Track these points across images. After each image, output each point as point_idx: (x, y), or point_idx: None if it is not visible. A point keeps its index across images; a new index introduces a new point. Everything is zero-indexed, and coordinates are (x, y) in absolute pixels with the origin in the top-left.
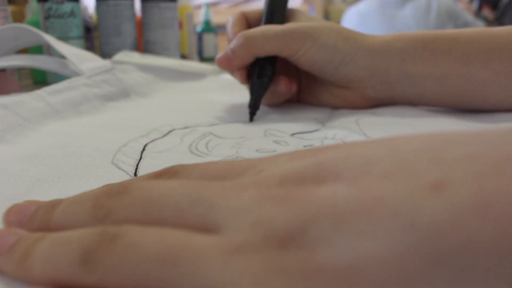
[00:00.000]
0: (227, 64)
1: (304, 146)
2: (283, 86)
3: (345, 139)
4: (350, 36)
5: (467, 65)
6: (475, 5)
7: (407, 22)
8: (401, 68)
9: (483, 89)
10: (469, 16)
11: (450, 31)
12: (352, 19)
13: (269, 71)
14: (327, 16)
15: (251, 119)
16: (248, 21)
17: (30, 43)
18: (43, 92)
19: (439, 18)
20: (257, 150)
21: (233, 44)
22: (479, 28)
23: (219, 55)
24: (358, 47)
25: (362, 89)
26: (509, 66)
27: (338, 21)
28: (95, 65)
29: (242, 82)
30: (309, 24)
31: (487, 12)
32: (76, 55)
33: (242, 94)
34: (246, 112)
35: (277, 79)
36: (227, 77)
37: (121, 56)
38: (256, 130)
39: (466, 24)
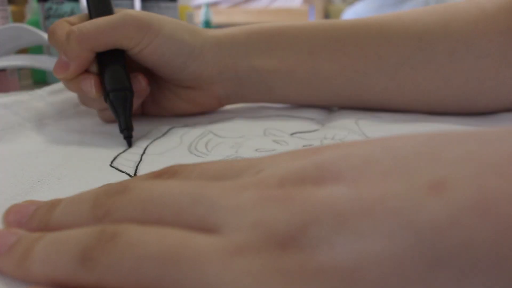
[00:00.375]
0: (64, 70)
1: (304, 146)
2: (143, 83)
3: (344, 139)
4: (194, 29)
5: (312, 58)
6: None
7: None
8: (248, 63)
9: (331, 83)
10: None
11: (296, 23)
12: None
13: (125, 78)
14: (327, 16)
15: (131, 144)
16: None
17: (30, 43)
18: (43, 92)
19: None
20: (256, 150)
21: (63, 47)
22: (326, 20)
23: (54, 65)
24: (204, 40)
25: (211, 87)
26: (354, 58)
27: None
28: None
29: (96, 93)
30: (148, 13)
31: None
32: None
33: None
34: (246, 108)
35: (133, 77)
36: None
37: None
38: (256, 129)
39: None
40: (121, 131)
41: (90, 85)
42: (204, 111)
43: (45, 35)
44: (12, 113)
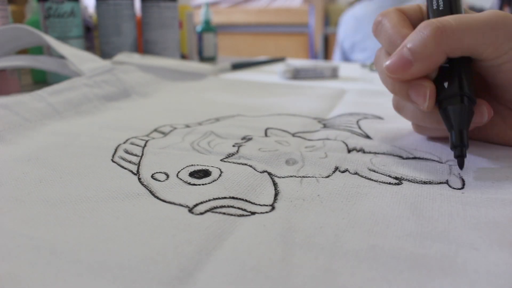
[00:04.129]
0: (402, 71)
1: (306, 147)
2: (485, 113)
3: (347, 140)
4: None
5: None
6: (495, 4)
7: None
8: None
9: None
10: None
11: None
12: (348, 23)
13: (469, 87)
14: (327, 16)
15: (462, 166)
16: (410, 21)
17: (30, 43)
18: (43, 92)
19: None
20: (259, 149)
21: (412, 40)
22: None
23: (389, 60)
24: None
25: None
26: None
27: (337, 21)
28: (95, 65)
29: (429, 106)
30: None
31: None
32: (76, 55)
33: (241, 93)
34: (241, 109)
35: (477, 106)
36: (227, 76)
37: (121, 57)
38: (257, 129)
39: None
40: (453, 147)
41: (424, 94)
42: None
43: (44, 36)
44: (12, 114)
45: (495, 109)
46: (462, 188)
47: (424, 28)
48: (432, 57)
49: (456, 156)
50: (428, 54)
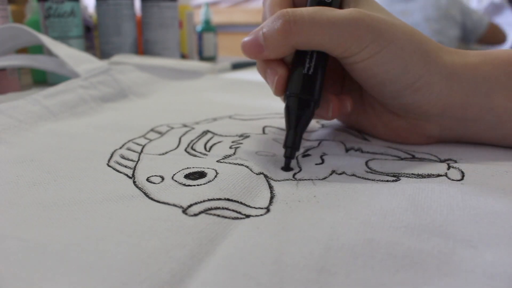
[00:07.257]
0: (254, 52)
1: (304, 147)
2: (330, 112)
3: (345, 141)
4: (428, 51)
5: None
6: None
7: (417, 19)
8: (487, 103)
9: None
10: (477, 12)
11: None
12: None
13: (317, 90)
14: None
15: (287, 168)
16: (294, 1)
17: (28, 42)
18: (38, 96)
19: (448, 13)
20: (256, 153)
21: (267, 26)
22: None
23: (246, 38)
24: (435, 69)
25: (423, 124)
26: None
27: None
28: (91, 66)
29: (276, 93)
30: (382, 17)
31: None
32: (72, 56)
33: (240, 93)
34: (240, 109)
35: (323, 99)
36: (225, 76)
37: (118, 58)
38: (254, 127)
39: (478, 18)
40: (284, 146)
41: (272, 81)
42: (402, 143)
43: (40, 36)
44: (6, 117)
45: (369, 102)
46: (462, 179)
47: (277, 18)
48: (280, 49)
49: (284, 156)
50: (277, 45)
